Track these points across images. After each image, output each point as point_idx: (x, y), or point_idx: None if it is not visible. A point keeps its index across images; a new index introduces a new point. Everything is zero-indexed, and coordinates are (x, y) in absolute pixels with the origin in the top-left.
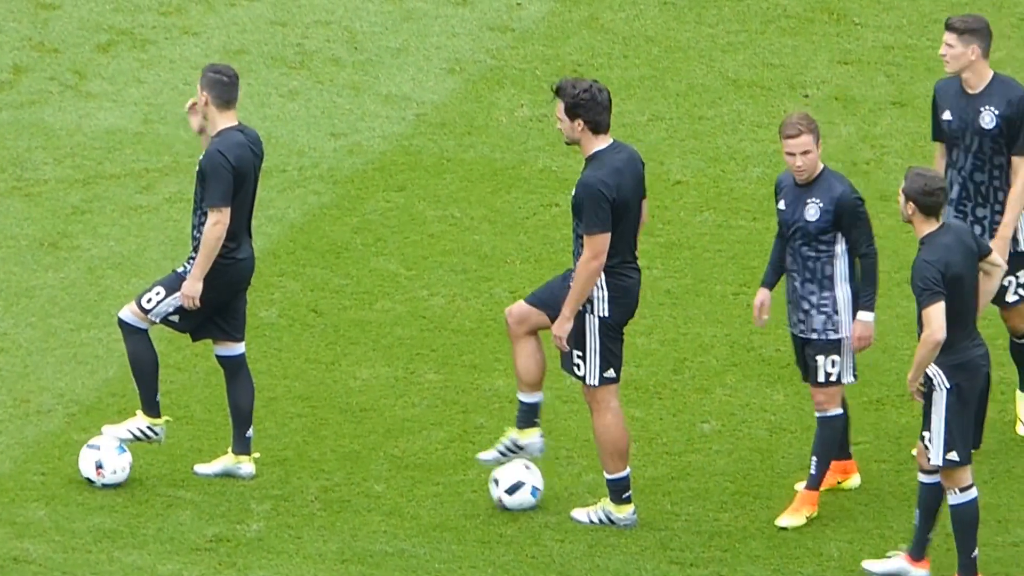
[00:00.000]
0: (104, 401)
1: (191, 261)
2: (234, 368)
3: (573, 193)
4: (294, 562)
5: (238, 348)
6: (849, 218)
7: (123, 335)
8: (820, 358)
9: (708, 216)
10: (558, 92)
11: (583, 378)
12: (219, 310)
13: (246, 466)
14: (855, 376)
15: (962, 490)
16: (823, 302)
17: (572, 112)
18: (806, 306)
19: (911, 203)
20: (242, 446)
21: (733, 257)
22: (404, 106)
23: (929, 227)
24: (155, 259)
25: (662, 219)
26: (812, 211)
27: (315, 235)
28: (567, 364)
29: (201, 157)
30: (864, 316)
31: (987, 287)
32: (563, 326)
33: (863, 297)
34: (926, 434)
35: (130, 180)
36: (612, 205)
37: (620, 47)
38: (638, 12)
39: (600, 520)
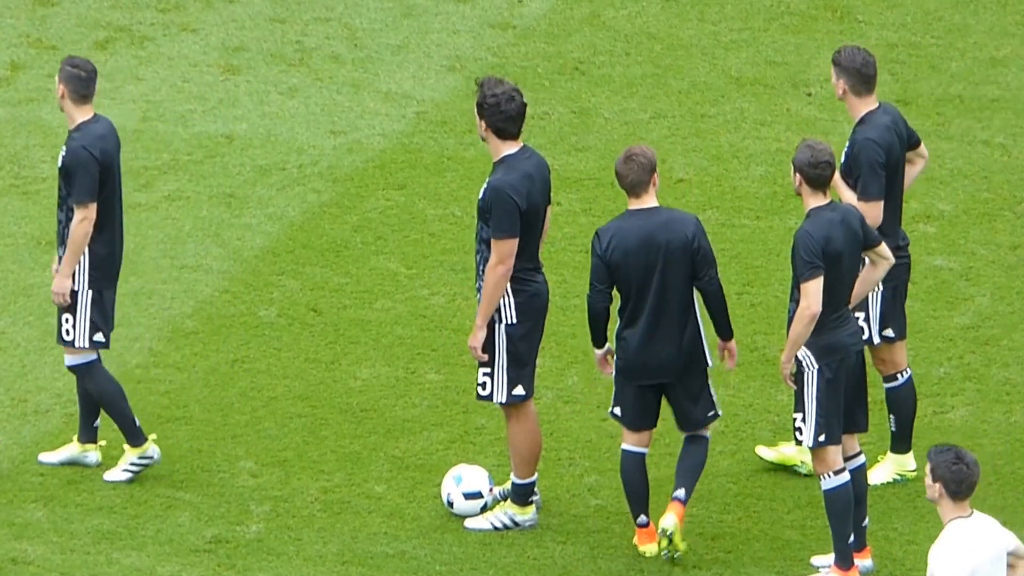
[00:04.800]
0: None
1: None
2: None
3: (480, 196)
4: (294, 564)
5: None
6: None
7: (79, 379)
8: None
9: (711, 215)
10: (478, 87)
11: (489, 397)
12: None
13: (92, 454)
14: None
15: (835, 473)
16: None
17: (479, 112)
18: None
19: (798, 174)
20: (88, 434)
21: (736, 256)
22: (404, 104)
23: (816, 201)
24: (153, 257)
25: None
26: None
27: (315, 233)
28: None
29: (63, 153)
30: None
31: (871, 276)
32: (477, 336)
33: None
34: (797, 415)
35: (128, 178)
36: (521, 211)
37: (622, 44)
38: (640, 9)
39: (503, 524)
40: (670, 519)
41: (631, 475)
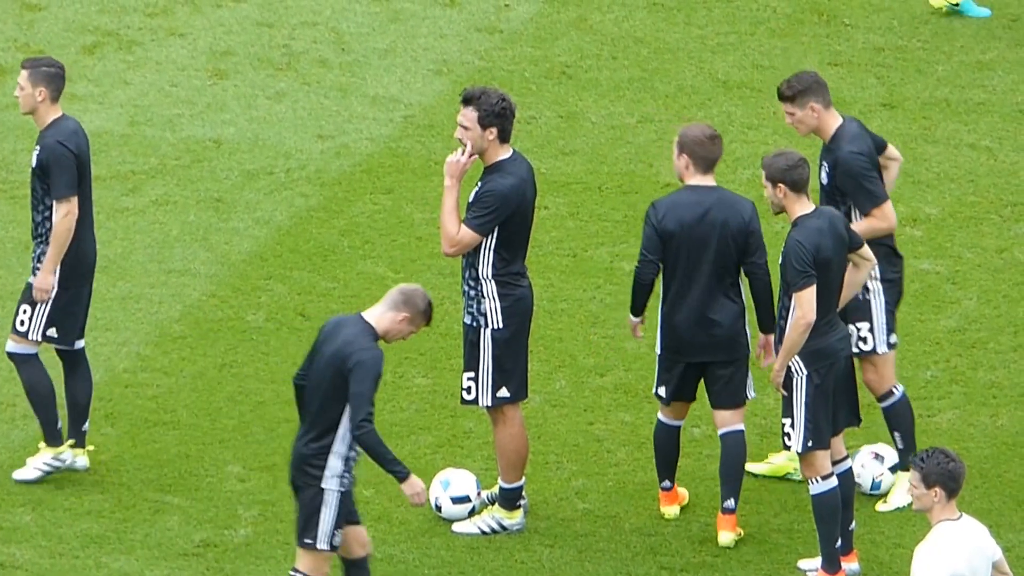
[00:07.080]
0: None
1: (40, 262)
2: (75, 361)
3: (472, 199)
4: (283, 568)
5: (80, 342)
6: None
7: (16, 367)
8: None
9: None
10: (471, 100)
11: (474, 401)
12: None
13: (80, 459)
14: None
15: (823, 478)
16: None
17: (488, 121)
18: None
19: (781, 185)
20: (79, 439)
21: None
22: (391, 108)
23: (802, 208)
24: (141, 262)
25: None
26: None
27: (302, 238)
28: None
29: (37, 151)
30: None
31: (855, 279)
32: None
33: None
34: (786, 421)
35: (116, 182)
36: (511, 213)
37: (609, 48)
38: (627, 13)
39: (491, 528)
40: (726, 536)
41: (662, 442)
